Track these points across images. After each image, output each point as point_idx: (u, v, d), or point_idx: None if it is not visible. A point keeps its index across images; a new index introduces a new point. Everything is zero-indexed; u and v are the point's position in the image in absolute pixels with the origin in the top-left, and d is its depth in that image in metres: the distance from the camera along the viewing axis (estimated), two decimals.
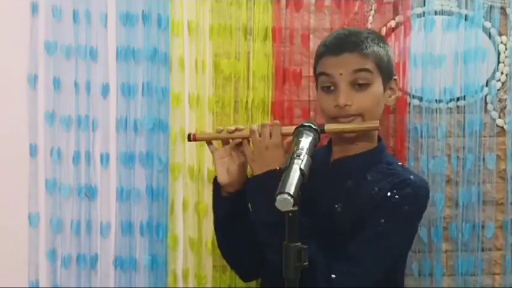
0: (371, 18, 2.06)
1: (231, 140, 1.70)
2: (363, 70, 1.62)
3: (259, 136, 1.60)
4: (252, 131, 1.61)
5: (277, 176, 1.51)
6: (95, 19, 1.99)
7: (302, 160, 1.36)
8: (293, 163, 1.35)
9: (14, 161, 2.00)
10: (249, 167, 1.67)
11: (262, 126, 1.61)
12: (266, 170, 1.56)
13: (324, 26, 2.03)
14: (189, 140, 1.72)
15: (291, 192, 1.28)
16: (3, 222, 2.00)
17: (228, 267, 2.02)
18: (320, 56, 1.69)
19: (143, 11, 2.00)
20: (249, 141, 1.65)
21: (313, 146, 1.45)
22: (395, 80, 1.72)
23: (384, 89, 1.67)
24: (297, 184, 1.30)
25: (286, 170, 1.34)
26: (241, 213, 1.71)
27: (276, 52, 2.03)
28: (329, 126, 1.62)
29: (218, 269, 2.06)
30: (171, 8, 2.01)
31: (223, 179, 1.70)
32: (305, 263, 1.34)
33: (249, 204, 1.68)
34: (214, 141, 1.73)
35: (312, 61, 1.79)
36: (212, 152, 1.72)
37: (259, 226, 1.59)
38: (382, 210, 1.59)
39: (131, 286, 2.04)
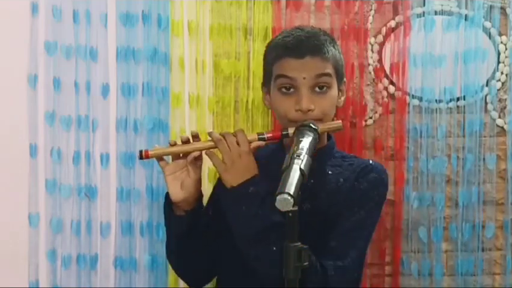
0: (371, 18, 2.06)
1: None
2: (324, 75, 1.61)
3: (228, 145, 1.54)
4: (219, 141, 1.55)
5: (258, 183, 1.53)
6: (95, 19, 1.99)
7: (302, 160, 1.36)
8: (293, 163, 1.35)
9: (14, 161, 2.00)
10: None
11: (226, 135, 1.56)
12: (245, 179, 1.53)
13: (324, 26, 2.02)
14: (141, 158, 1.59)
15: (291, 192, 1.28)
16: (4, 222, 2.01)
17: None
18: (278, 56, 1.63)
19: (143, 11, 2.00)
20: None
21: (313, 146, 1.45)
22: (345, 82, 1.72)
23: (338, 92, 1.66)
24: (297, 184, 1.30)
25: (286, 170, 1.34)
26: (197, 231, 1.64)
27: None
28: (292, 130, 1.57)
29: None
30: (171, 8, 2.01)
31: (177, 196, 1.60)
32: (305, 263, 1.34)
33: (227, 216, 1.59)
34: (166, 157, 1.63)
35: None
36: (162, 168, 1.61)
37: (244, 238, 1.55)
38: (354, 199, 1.60)
39: (131, 286, 2.04)
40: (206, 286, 1.80)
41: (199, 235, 1.64)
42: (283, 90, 1.62)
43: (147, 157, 1.59)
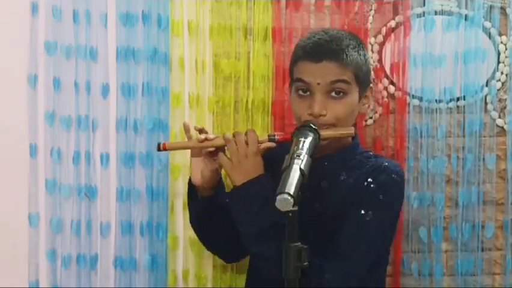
0: (371, 18, 2.06)
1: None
2: (340, 81, 1.60)
3: (236, 145, 1.58)
4: (228, 140, 1.60)
5: (262, 184, 1.55)
6: (95, 19, 1.99)
7: (302, 160, 1.36)
8: (293, 163, 1.35)
9: (14, 161, 2.00)
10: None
11: (237, 134, 1.59)
12: (248, 179, 1.55)
13: (324, 26, 2.02)
14: (159, 149, 1.71)
15: (291, 192, 1.28)
16: (3, 222, 2.01)
17: (228, 267, 2.03)
18: (297, 59, 1.65)
19: (143, 11, 2.00)
20: (223, 150, 1.64)
21: (313, 146, 1.45)
22: (371, 88, 1.71)
23: (360, 98, 1.66)
24: (297, 184, 1.30)
25: (286, 170, 1.34)
26: (217, 213, 1.73)
27: (276, 52, 2.03)
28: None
29: (218, 269, 2.06)
30: (171, 8, 2.01)
31: (195, 179, 1.72)
32: (305, 263, 1.34)
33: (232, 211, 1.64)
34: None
35: None
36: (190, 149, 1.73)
37: (246, 236, 1.58)
38: (361, 201, 1.59)
39: (131, 286, 2.04)
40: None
41: (219, 218, 1.71)
42: (300, 92, 1.63)
43: (165, 149, 1.71)
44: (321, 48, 1.61)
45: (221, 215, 1.70)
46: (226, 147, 1.63)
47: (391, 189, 1.61)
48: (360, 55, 1.64)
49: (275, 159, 1.53)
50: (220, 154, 1.62)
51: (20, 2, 1.97)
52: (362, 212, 1.57)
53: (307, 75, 1.61)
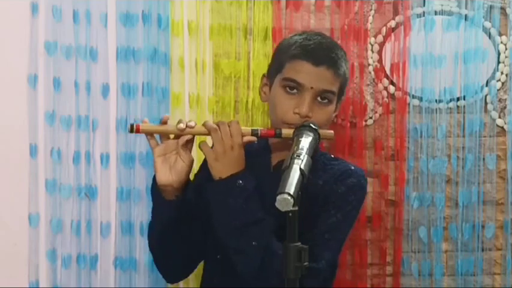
0: (371, 18, 2.06)
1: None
2: (330, 92, 1.61)
3: (221, 134, 1.52)
4: (213, 129, 1.52)
5: (247, 178, 1.52)
6: (95, 19, 1.99)
7: (302, 160, 1.36)
8: (293, 163, 1.35)
9: (14, 161, 2.00)
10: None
11: (221, 124, 1.53)
12: (235, 172, 1.52)
13: (324, 26, 2.03)
14: (131, 131, 1.53)
15: (291, 192, 1.28)
16: (4, 222, 2.01)
17: None
18: (295, 56, 1.61)
19: (143, 11, 2.00)
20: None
21: (313, 146, 1.45)
22: (343, 100, 1.71)
23: (335, 109, 1.66)
24: (297, 184, 1.30)
25: (286, 169, 1.34)
26: (183, 218, 1.60)
27: None
28: (286, 131, 1.57)
29: None
30: (171, 8, 2.01)
31: (165, 179, 1.55)
32: (305, 263, 1.34)
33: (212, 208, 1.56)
34: (157, 135, 1.56)
35: None
36: (152, 148, 1.56)
37: (226, 229, 1.54)
38: (331, 202, 1.61)
39: (131, 286, 2.04)
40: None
41: (185, 221, 1.60)
42: (287, 89, 1.61)
43: (138, 131, 1.53)
44: (323, 53, 1.61)
45: (189, 221, 1.61)
46: (209, 137, 1.54)
47: (358, 192, 1.65)
48: (347, 68, 1.66)
49: (248, 153, 1.54)
50: (204, 143, 1.54)
51: (20, 2, 1.97)
52: (332, 212, 1.60)
53: (303, 77, 1.59)
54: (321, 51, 1.61)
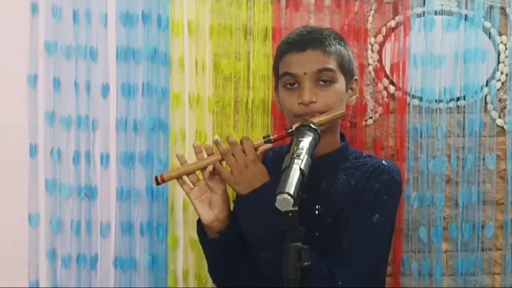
0: (371, 18, 2.06)
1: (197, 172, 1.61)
2: (326, 69, 1.61)
3: (234, 156, 1.55)
4: (224, 153, 1.56)
5: (267, 191, 1.53)
6: (95, 19, 1.99)
7: (302, 160, 1.36)
8: (293, 163, 1.35)
9: (14, 161, 2.00)
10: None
11: (232, 145, 1.56)
12: (252, 189, 1.54)
13: (324, 26, 2.02)
14: (157, 183, 1.61)
15: (291, 192, 1.28)
16: (4, 222, 2.01)
17: None
18: (282, 53, 1.66)
19: (143, 11, 2.00)
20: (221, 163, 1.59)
21: (313, 146, 1.45)
22: (356, 80, 1.71)
23: (346, 89, 1.66)
24: (297, 184, 1.30)
25: (286, 169, 1.34)
26: (234, 247, 1.63)
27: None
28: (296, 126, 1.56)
29: None
30: (171, 8, 2.01)
31: (208, 216, 1.60)
32: (305, 263, 1.34)
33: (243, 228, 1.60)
34: (185, 177, 1.62)
35: None
36: (187, 194, 1.62)
37: (253, 244, 1.57)
38: (366, 202, 1.59)
39: (131, 286, 2.04)
40: None
41: (236, 253, 1.64)
42: (288, 86, 1.64)
43: (163, 181, 1.61)
44: (303, 38, 1.64)
45: (237, 248, 1.63)
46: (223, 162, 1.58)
47: (393, 189, 1.62)
48: (341, 45, 1.66)
49: (278, 159, 1.55)
50: (219, 167, 1.57)
51: (20, 2, 1.97)
52: (368, 213, 1.58)
53: (294, 67, 1.62)
54: (302, 37, 1.65)
